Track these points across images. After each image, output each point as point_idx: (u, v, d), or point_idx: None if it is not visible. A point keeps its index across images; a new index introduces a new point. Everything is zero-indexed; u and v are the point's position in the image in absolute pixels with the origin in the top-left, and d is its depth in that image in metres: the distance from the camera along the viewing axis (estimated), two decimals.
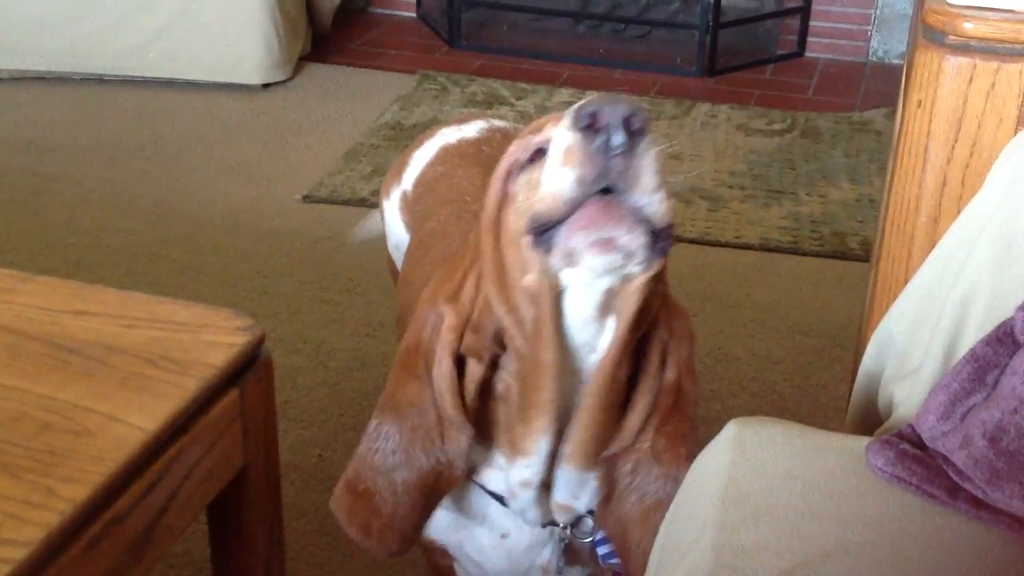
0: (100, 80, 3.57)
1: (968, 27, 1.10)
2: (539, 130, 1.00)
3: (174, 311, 1.11)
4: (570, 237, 0.90)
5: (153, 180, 2.95)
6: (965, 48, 1.11)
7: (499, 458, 1.12)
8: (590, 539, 1.17)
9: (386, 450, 1.11)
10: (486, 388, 1.08)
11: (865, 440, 0.97)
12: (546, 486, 1.12)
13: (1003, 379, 0.89)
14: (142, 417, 0.96)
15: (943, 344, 1.03)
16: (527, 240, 0.94)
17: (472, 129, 1.69)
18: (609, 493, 1.10)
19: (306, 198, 2.86)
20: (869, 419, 1.19)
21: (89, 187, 2.90)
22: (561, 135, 0.90)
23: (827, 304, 2.44)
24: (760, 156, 3.16)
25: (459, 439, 1.07)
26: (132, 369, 1.02)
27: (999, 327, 0.93)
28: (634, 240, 0.89)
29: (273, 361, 1.11)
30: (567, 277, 0.94)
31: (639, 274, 0.94)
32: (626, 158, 0.87)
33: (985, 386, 0.91)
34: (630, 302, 0.96)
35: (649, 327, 1.04)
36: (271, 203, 2.84)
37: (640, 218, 0.89)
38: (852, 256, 2.63)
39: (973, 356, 0.92)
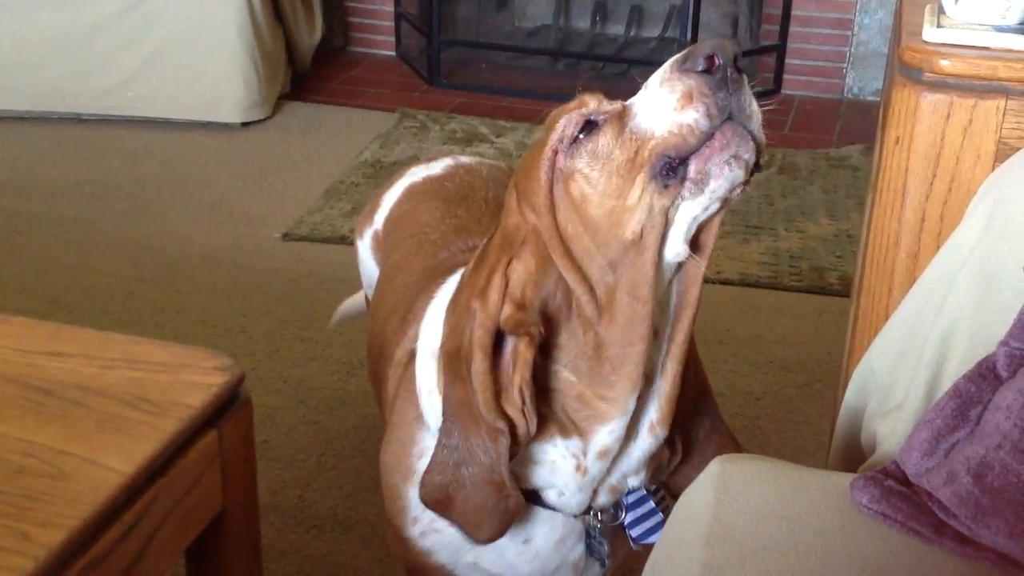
0: (79, 119, 3.57)
1: (944, 64, 1.11)
2: (573, 109, 1.05)
3: (151, 351, 1.10)
4: (708, 160, 0.99)
5: (132, 219, 2.94)
6: (942, 85, 1.12)
7: (546, 452, 1.12)
8: (620, 521, 1.17)
9: (450, 446, 1.11)
10: (542, 375, 1.09)
11: (849, 477, 0.97)
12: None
13: (986, 415, 0.89)
14: (119, 459, 0.94)
15: (926, 380, 1.04)
16: (652, 182, 0.99)
17: (438, 166, 1.73)
18: (687, 450, 1.14)
19: (285, 236, 2.85)
20: (852, 455, 1.19)
21: (67, 227, 2.88)
22: (672, 80, 0.98)
23: (807, 339, 2.44)
24: None
25: (500, 440, 1.07)
26: (109, 411, 1.01)
27: (981, 362, 0.93)
28: (752, 156, 1.00)
29: (252, 401, 1.10)
30: (677, 210, 1.01)
31: (733, 199, 1.03)
32: (739, 93, 0.98)
33: (968, 422, 0.91)
34: (711, 239, 1.05)
35: None
36: (250, 241, 2.83)
37: (755, 138, 1.00)
38: (831, 291, 2.64)
39: (956, 392, 0.92)
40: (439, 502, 1.13)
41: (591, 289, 1.04)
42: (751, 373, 2.31)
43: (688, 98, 0.97)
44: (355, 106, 3.81)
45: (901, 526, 0.90)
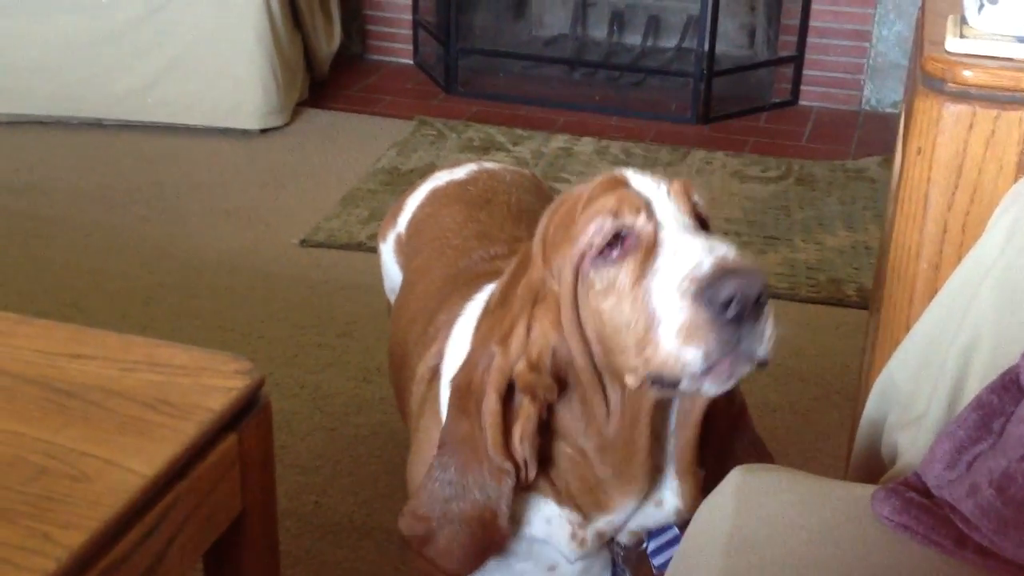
0: (99, 124, 3.59)
1: (967, 75, 1.11)
2: (611, 211, 1.03)
3: (173, 355, 1.10)
4: (700, 383, 0.97)
5: (150, 224, 2.95)
6: (964, 96, 1.12)
7: (548, 506, 1.13)
8: (643, 548, 1.17)
9: (444, 480, 1.12)
10: (544, 439, 1.10)
11: (870, 488, 0.96)
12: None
13: (1009, 426, 0.89)
14: (140, 462, 0.95)
15: (947, 391, 1.03)
16: (648, 386, 1.00)
17: (462, 171, 1.73)
18: (723, 465, 1.13)
19: (303, 242, 2.86)
20: (873, 466, 1.19)
21: (86, 231, 2.90)
22: (685, 309, 0.94)
23: (824, 351, 2.43)
24: (755, 203, 3.17)
25: (504, 480, 1.09)
26: (130, 413, 1.01)
27: (1004, 374, 0.92)
28: (746, 372, 0.98)
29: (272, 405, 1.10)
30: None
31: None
32: (753, 325, 0.94)
33: (991, 434, 0.90)
34: None
35: None
36: (268, 247, 2.83)
37: (759, 358, 0.97)
38: (849, 303, 2.63)
39: (979, 403, 0.92)
40: (419, 537, 1.14)
41: (601, 386, 1.06)
42: (768, 384, 2.30)
43: (694, 330, 0.94)
44: (373, 113, 3.82)
45: (922, 538, 0.90)
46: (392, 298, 1.75)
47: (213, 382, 1.06)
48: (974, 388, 0.99)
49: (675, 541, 1.17)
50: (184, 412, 1.01)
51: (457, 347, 1.25)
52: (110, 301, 2.55)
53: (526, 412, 1.07)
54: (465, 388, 1.10)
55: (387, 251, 1.74)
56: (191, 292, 2.60)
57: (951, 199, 1.14)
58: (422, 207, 1.68)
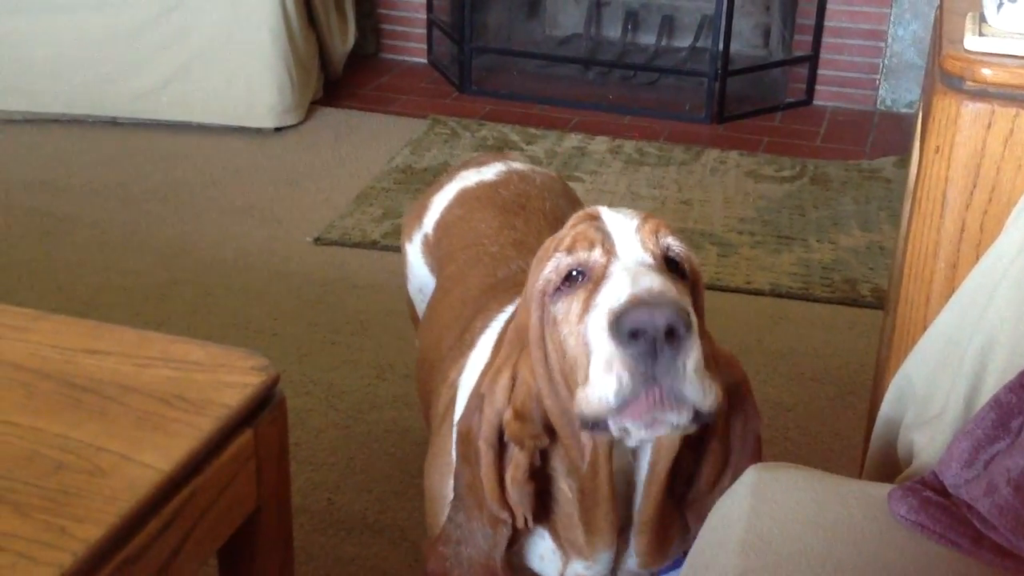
0: (114, 122, 3.60)
1: (986, 73, 1.11)
2: (566, 248, 1.02)
3: (189, 351, 1.10)
4: (622, 423, 0.93)
5: (165, 222, 2.96)
6: (983, 94, 1.11)
7: (552, 546, 1.14)
8: None
9: (456, 522, 1.14)
10: (540, 476, 1.10)
11: (886, 487, 0.96)
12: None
13: None
14: (156, 457, 0.95)
15: (964, 390, 1.03)
16: (582, 429, 0.98)
17: (490, 172, 1.70)
18: (726, 461, 1.12)
19: (317, 240, 2.87)
20: (889, 465, 1.18)
21: (102, 228, 2.91)
22: (602, 340, 0.92)
23: (839, 351, 2.43)
24: (770, 202, 3.16)
25: (500, 529, 1.10)
26: (147, 408, 1.02)
27: (1022, 373, 0.92)
28: (680, 419, 0.92)
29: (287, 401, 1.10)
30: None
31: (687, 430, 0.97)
32: (670, 359, 0.89)
33: (1009, 433, 0.90)
34: (676, 439, 1.04)
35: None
36: (282, 245, 2.84)
37: (687, 402, 0.91)
38: (863, 303, 2.62)
39: (996, 402, 0.91)
40: (438, 572, 1.16)
41: (573, 435, 1.04)
42: (782, 384, 2.30)
43: (608, 364, 0.91)
44: (387, 112, 3.82)
45: (939, 537, 0.89)
46: (418, 298, 1.74)
47: (229, 378, 1.06)
48: (992, 387, 0.99)
49: None
50: (200, 408, 1.02)
51: (479, 359, 1.26)
52: (125, 298, 2.56)
53: (515, 460, 1.07)
54: (465, 436, 1.11)
55: (414, 251, 1.72)
56: (205, 289, 2.61)
57: (969, 198, 1.14)
58: (451, 208, 1.66)
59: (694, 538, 1.08)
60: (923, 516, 0.90)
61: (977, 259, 1.12)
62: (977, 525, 0.89)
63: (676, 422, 0.92)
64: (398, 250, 1.83)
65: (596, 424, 0.94)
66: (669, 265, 1.01)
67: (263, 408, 1.06)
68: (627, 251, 1.00)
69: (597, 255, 1.00)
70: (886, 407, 1.20)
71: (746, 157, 3.48)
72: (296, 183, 3.23)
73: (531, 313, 1.04)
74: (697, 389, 0.91)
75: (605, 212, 1.05)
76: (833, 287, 2.69)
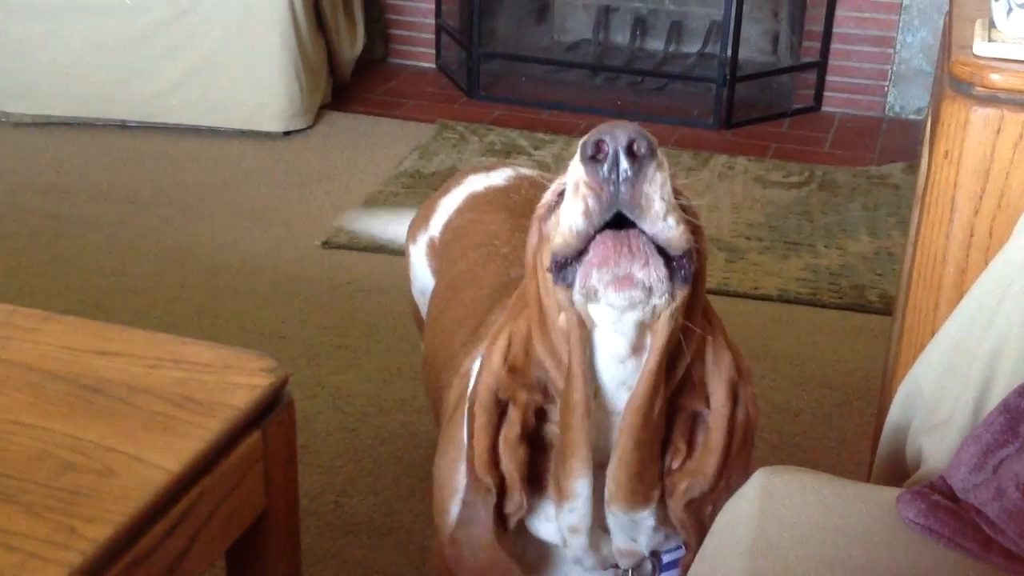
0: (123, 126, 3.61)
1: (996, 78, 1.11)
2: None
3: (198, 352, 1.11)
4: (588, 275, 0.90)
5: (174, 225, 2.97)
6: (992, 99, 1.11)
7: (549, 507, 1.11)
8: None
9: (467, 501, 1.12)
10: (538, 440, 1.07)
11: (895, 491, 0.96)
12: (605, 531, 1.11)
13: None
14: (165, 458, 0.95)
15: (973, 395, 1.02)
16: (550, 276, 0.94)
17: (499, 176, 1.70)
18: (698, 542, 1.06)
19: (325, 244, 2.87)
20: (897, 470, 1.18)
21: (110, 231, 2.92)
22: (574, 168, 0.91)
23: (846, 357, 2.42)
24: (778, 208, 3.16)
25: (486, 497, 1.07)
26: (156, 409, 1.02)
27: None
28: (651, 273, 0.89)
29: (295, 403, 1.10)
30: (595, 314, 0.94)
31: (664, 306, 0.93)
32: (633, 184, 0.87)
33: (1018, 437, 0.90)
34: (659, 336, 0.95)
35: (701, 363, 1.04)
36: (290, 249, 2.85)
37: (655, 247, 0.89)
38: (871, 309, 2.62)
39: (1005, 407, 0.91)
40: (453, 561, 1.13)
41: (558, 364, 1.01)
42: (789, 390, 2.29)
43: (576, 189, 0.89)
44: (395, 117, 3.83)
45: (948, 541, 0.89)
46: (421, 300, 1.74)
47: (238, 379, 1.06)
48: (1000, 392, 0.98)
49: None
50: (209, 409, 1.02)
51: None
52: (133, 301, 2.57)
53: (510, 419, 1.05)
54: (472, 406, 1.09)
55: (418, 254, 1.72)
56: (214, 292, 2.61)
57: (978, 203, 1.14)
58: (460, 212, 1.66)
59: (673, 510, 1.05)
60: (932, 520, 0.90)
61: (986, 264, 1.12)
62: (986, 529, 0.89)
63: (645, 279, 0.89)
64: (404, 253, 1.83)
65: (565, 267, 0.92)
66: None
67: (272, 410, 1.07)
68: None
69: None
70: (894, 412, 1.20)
71: (754, 163, 3.48)
72: (304, 187, 3.24)
73: (528, 245, 1.02)
74: (662, 224, 0.88)
75: None
76: (841, 293, 2.69)
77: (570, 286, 0.92)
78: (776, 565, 0.87)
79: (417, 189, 3.19)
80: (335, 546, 1.80)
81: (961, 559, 0.88)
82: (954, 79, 1.15)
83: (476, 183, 1.70)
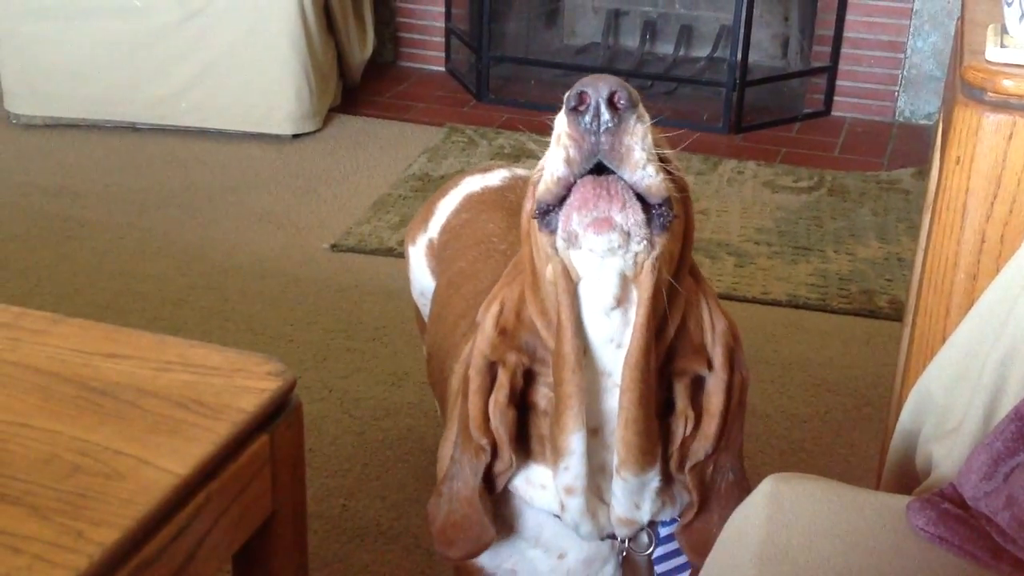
0: (132, 128, 3.62)
1: (1008, 84, 1.10)
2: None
3: (207, 355, 1.11)
4: (568, 218, 0.92)
5: (182, 227, 2.97)
6: (1005, 105, 1.11)
7: (543, 471, 1.12)
8: (648, 552, 1.16)
9: (454, 458, 1.14)
10: (528, 403, 1.09)
11: (904, 498, 0.95)
12: (602, 500, 1.11)
13: None
14: (173, 461, 0.95)
15: (984, 403, 1.02)
16: (535, 223, 0.97)
17: (495, 178, 1.73)
18: (702, 502, 1.09)
19: (334, 247, 2.87)
20: (907, 477, 1.17)
21: (119, 233, 2.92)
22: (559, 119, 0.93)
23: (855, 362, 2.42)
24: (787, 213, 3.15)
25: (481, 457, 1.10)
26: (164, 412, 1.02)
27: None
28: (629, 217, 0.91)
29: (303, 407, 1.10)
30: (579, 263, 0.95)
31: (645, 254, 0.94)
32: (613, 134, 0.90)
33: None
34: (644, 287, 0.96)
35: (699, 327, 1.05)
36: (299, 251, 2.85)
37: (634, 194, 0.91)
38: (881, 315, 2.61)
39: (1017, 415, 0.91)
40: (432, 514, 1.17)
41: (548, 323, 1.03)
42: (798, 395, 2.29)
43: (558, 139, 0.92)
44: (404, 120, 3.83)
45: (958, 550, 0.89)
46: (421, 301, 1.76)
47: (246, 383, 1.06)
48: (1012, 400, 0.98)
49: (684, 567, 1.16)
50: (217, 412, 1.02)
51: None
52: (142, 303, 2.57)
53: (498, 382, 1.07)
54: (465, 368, 1.12)
55: (417, 255, 1.74)
56: (222, 295, 2.61)
57: (990, 209, 1.13)
58: (457, 213, 1.68)
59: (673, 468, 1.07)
60: (942, 528, 0.90)
61: (997, 271, 1.12)
62: (996, 538, 0.88)
63: (623, 222, 0.91)
64: None
65: (548, 213, 0.94)
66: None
67: (279, 413, 1.06)
68: None
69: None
70: (904, 419, 1.19)
71: (764, 167, 3.48)
72: (313, 190, 3.24)
73: (524, 208, 1.04)
74: (641, 173, 0.90)
75: None
76: (850, 298, 2.68)
77: (553, 232, 0.94)
78: (785, 572, 0.87)
79: (426, 192, 3.19)
80: (342, 550, 1.80)
81: (971, 568, 0.88)
82: (966, 84, 1.14)
83: (472, 184, 1.72)
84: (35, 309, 1.19)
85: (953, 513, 0.90)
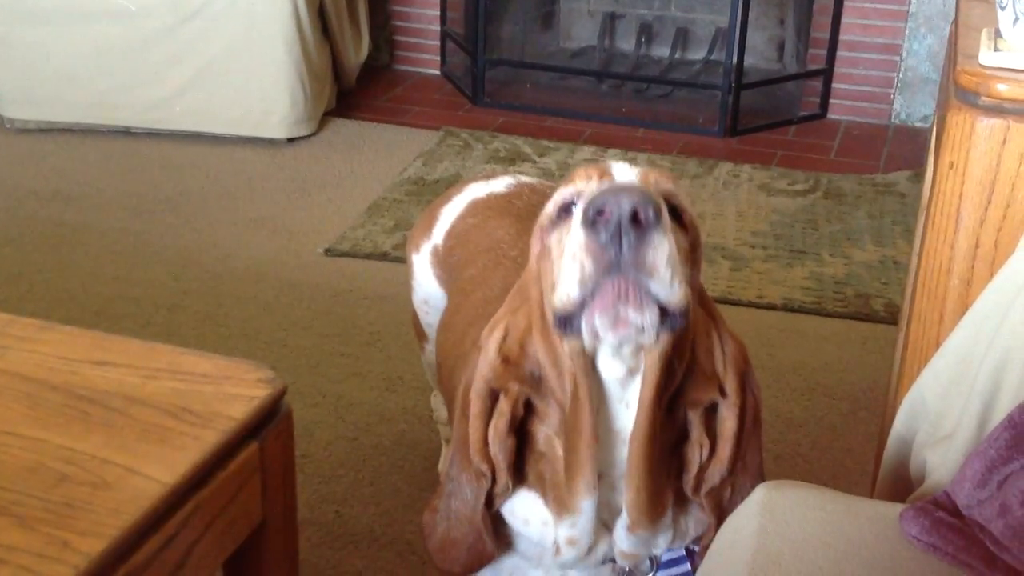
0: (127, 132, 3.61)
1: (1002, 88, 1.10)
2: (571, 182, 1.03)
3: (195, 363, 1.10)
4: (591, 320, 0.92)
5: (176, 232, 2.96)
6: (998, 110, 1.10)
7: (528, 503, 1.12)
8: (650, 574, 1.15)
9: (451, 476, 1.14)
10: (526, 435, 1.09)
11: (898, 507, 0.95)
12: (605, 527, 1.11)
13: None
14: (161, 470, 0.94)
15: (978, 409, 1.01)
16: (555, 330, 0.96)
17: (500, 184, 1.71)
18: (719, 526, 1.08)
19: (328, 251, 2.86)
20: (900, 484, 1.17)
21: (113, 238, 2.91)
22: (575, 229, 0.92)
23: (851, 366, 2.41)
24: (783, 216, 3.15)
25: (481, 482, 1.10)
26: (152, 421, 1.01)
27: None
28: (646, 319, 0.91)
29: (293, 414, 1.09)
30: (594, 347, 0.97)
31: (654, 345, 0.95)
32: (636, 249, 0.88)
33: (1023, 453, 0.88)
34: (653, 357, 0.97)
35: (709, 356, 1.05)
36: (293, 256, 2.84)
37: (652, 298, 0.90)
38: (877, 318, 2.60)
39: (1010, 423, 0.90)
40: (428, 528, 1.17)
41: (560, 374, 1.03)
42: (793, 399, 2.28)
43: (575, 252, 0.91)
44: (399, 124, 3.83)
45: (952, 558, 0.88)
46: (423, 309, 1.74)
47: (235, 390, 1.05)
48: (1006, 407, 0.97)
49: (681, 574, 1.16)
50: (206, 420, 1.01)
51: None
52: (135, 308, 2.56)
53: (499, 409, 1.07)
54: (467, 389, 1.11)
55: (421, 262, 1.72)
56: (216, 300, 2.60)
57: (983, 214, 1.13)
58: (462, 218, 1.66)
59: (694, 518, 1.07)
60: (935, 537, 0.89)
61: (991, 276, 1.11)
62: (990, 546, 0.88)
63: (641, 322, 0.90)
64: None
65: (567, 320, 0.94)
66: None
67: (269, 421, 1.06)
68: (622, 178, 1.00)
69: (593, 185, 0.99)
70: (898, 425, 1.18)
71: (759, 171, 3.47)
72: (308, 194, 3.23)
73: (531, 252, 1.05)
74: (663, 283, 0.89)
75: (612, 162, 1.05)
76: (846, 302, 2.67)
77: (578, 335, 0.94)
78: None
79: (421, 196, 3.19)
80: (335, 557, 1.79)
81: None
82: (960, 89, 1.14)
83: (477, 190, 1.71)
84: (28, 314, 1.18)
85: (947, 522, 0.90)
